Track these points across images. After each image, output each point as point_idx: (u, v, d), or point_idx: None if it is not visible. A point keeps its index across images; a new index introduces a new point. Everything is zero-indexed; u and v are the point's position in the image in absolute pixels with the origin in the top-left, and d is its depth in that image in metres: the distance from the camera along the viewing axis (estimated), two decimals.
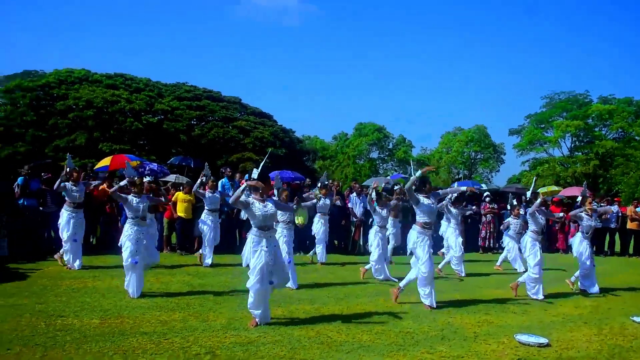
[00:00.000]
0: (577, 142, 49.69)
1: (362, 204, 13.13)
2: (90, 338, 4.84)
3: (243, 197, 5.78)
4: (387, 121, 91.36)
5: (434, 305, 6.85)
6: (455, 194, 9.90)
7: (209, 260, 10.05)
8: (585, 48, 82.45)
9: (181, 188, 11.95)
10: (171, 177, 15.38)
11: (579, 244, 8.74)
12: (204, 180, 10.21)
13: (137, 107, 33.54)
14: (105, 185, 11.58)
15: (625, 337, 5.78)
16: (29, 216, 9.97)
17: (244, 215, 12.02)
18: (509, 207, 14.15)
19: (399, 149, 57.72)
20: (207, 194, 10.26)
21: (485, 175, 58.56)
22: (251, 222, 5.94)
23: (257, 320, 5.65)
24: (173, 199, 11.61)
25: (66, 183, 9.00)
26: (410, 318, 6.22)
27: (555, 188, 21.28)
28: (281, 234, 7.88)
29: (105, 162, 13.93)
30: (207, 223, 10.28)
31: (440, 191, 7.65)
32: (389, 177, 19.79)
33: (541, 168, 47.05)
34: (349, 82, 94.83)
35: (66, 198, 9.16)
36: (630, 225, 15.33)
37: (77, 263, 8.88)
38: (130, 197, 7.24)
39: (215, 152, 35.42)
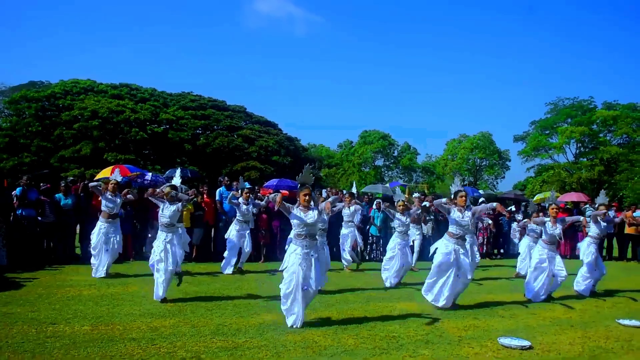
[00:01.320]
0: (581, 148, 49.53)
1: (360, 212, 13.19)
2: (79, 344, 4.95)
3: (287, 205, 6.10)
4: (392, 129, 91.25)
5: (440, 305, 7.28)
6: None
7: (229, 270, 10.21)
8: (589, 54, 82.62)
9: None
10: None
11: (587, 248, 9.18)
12: (237, 192, 10.67)
13: (142, 116, 33.88)
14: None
15: (608, 340, 5.84)
16: (27, 226, 10.11)
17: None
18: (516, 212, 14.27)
19: (404, 156, 57.76)
20: (242, 205, 10.48)
21: (490, 182, 58.47)
22: (293, 229, 6.20)
23: (288, 322, 5.95)
24: None
25: (105, 193, 9.28)
26: (397, 323, 6.30)
27: (556, 194, 21.23)
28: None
29: (106, 172, 14.07)
30: (235, 232, 10.42)
31: (475, 207, 7.81)
32: (387, 185, 19.85)
33: (546, 174, 46.95)
34: (354, 90, 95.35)
35: (102, 209, 9.37)
36: (627, 230, 15.34)
37: (103, 270, 9.10)
38: (164, 203, 7.62)
39: (220, 160, 35.71)
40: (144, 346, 4.98)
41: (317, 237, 6.41)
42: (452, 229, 7.49)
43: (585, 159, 47.96)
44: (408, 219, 9.82)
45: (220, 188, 12.63)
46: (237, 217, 10.50)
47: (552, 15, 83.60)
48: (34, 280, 8.48)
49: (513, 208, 15.50)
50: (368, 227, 13.29)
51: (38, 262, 10.05)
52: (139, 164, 28.36)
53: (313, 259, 6.10)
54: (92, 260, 9.27)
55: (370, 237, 13.40)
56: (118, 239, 9.37)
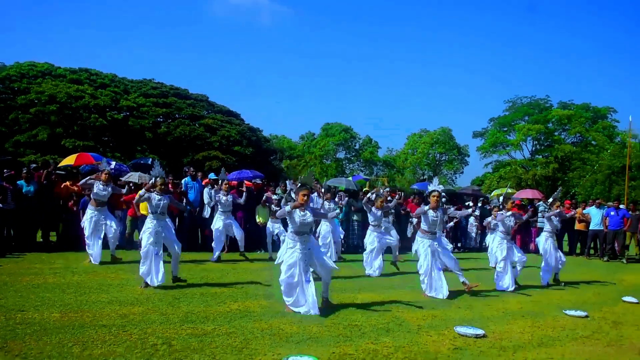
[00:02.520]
0: (537, 146, 51.22)
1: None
2: (50, 330, 5.03)
3: (288, 208, 6.48)
4: (353, 122, 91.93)
5: (428, 295, 7.99)
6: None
7: (216, 255, 10.86)
8: (547, 54, 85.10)
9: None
10: (134, 176, 15.40)
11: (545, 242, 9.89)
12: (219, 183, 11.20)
13: (102, 103, 33.23)
14: (69, 183, 11.65)
15: (554, 329, 6.27)
16: None
17: (206, 213, 12.26)
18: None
19: (366, 150, 58.41)
20: (222, 196, 10.84)
21: (449, 177, 59.72)
22: (289, 226, 6.63)
23: (289, 306, 6.41)
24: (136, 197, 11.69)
25: (95, 182, 9.53)
26: (359, 312, 6.58)
27: (510, 190, 22.02)
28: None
29: (70, 160, 13.88)
30: (219, 223, 10.90)
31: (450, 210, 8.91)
32: (350, 178, 20.17)
33: (503, 170, 48.40)
34: (317, 82, 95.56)
35: (92, 197, 9.64)
36: (577, 226, 16.14)
37: (98, 258, 9.46)
38: (152, 195, 7.81)
39: (182, 149, 35.41)
40: (115, 332, 5.09)
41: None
42: (424, 226, 8.19)
43: (540, 156, 49.61)
44: (382, 214, 10.43)
45: (186, 178, 12.67)
46: (219, 209, 10.94)
47: (513, 14, 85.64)
48: None
49: (471, 204, 16.03)
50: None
51: None
52: (98, 150, 27.81)
53: (311, 252, 6.57)
54: (87, 249, 9.53)
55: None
56: (110, 223, 9.68)
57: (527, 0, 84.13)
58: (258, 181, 12.54)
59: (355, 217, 13.04)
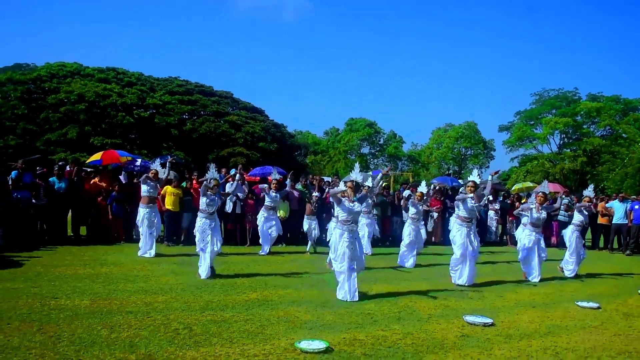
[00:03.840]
0: (565, 139, 50.54)
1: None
2: (81, 316, 5.41)
3: (338, 194, 6.99)
4: (378, 117, 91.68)
5: (457, 283, 8.54)
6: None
7: (266, 250, 11.42)
8: (575, 45, 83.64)
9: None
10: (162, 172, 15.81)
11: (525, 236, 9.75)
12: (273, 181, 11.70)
13: (129, 101, 33.93)
14: (97, 179, 12.14)
15: (563, 319, 6.41)
16: (22, 208, 10.48)
17: (228, 208, 12.61)
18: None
19: (390, 145, 58.37)
20: (272, 192, 11.48)
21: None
22: (338, 216, 7.11)
23: (339, 295, 6.85)
24: (162, 192, 12.07)
25: (148, 180, 10.28)
26: (373, 302, 6.82)
27: (530, 184, 21.93)
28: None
29: (97, 157, 14.37)
30: (263, 219, 11.50)
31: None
32: (370, 173, 20.37)
33: (530, 164, 47.80)
34: (342, 77, 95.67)
35: (143, 194, 10.33)
36: (600, 220, 16.05)
37: (152, 251, 10.09)
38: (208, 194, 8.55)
39: (207, 146, 35.92)
40: (140, 318, 5.44)
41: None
42: (463, 213, 8.77)
43: (568, 150, 48.93)
44: (422, 208, 11.14)
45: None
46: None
47: (540, 6, 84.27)
48: (31, 259, 8.93)
49: (490, 197, 16.06)
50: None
51: (32, 243, 10.44)
52: (126, 148, 28.49)
53: (356, 241, 7.07)
54: (140, 243, 10.22)
55: None
56: (157, 220, 10.43)
57: None
58: (278, 176, 12.73)
59: (375, 212, 13.21)
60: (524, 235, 9.67)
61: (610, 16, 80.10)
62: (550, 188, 19.78)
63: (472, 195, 8.68)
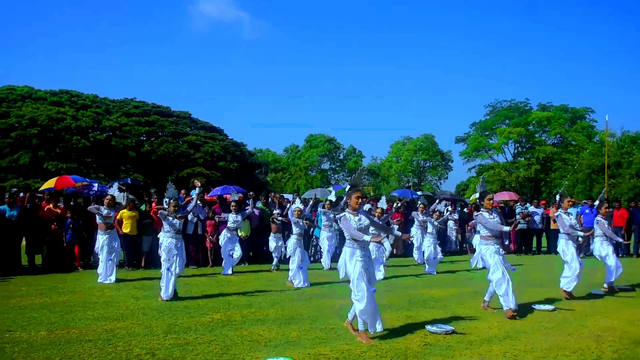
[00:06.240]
0: (519, 148, 52.07)
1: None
2: (38, 347, 5.25)
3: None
4: (337, 132, 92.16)
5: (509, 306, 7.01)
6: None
7: (229, 271, 11.43)
8: (525, 57, 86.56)
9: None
10: (119, 196, 15.53)
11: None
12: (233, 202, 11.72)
13: (84, 124, 33.21)
14: (51, 205, 11.82)
15: (523, 323, 6.62)
16: None
17: (189, 230, 12.49)
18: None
19: (350, 160, 58.89)
20: (232, 215, 11.54)
21: (434, 183, 60.38)
22: (345, 235, 6.15)
23: (367, 329, 5.76)
24: (118, 216, 11.74)
25: (100, 207, 10.16)
26: (337, 317, 6.86)
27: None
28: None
29: (51, 183, 14.02)
30: (226, 240, 11.57)
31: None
32: (330, 188, 20.53)
33: (487, 174, 48.98)
34: (300, 94, 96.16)
35: (98, 222, 10.20)
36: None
37: (112, 277, 9.94)
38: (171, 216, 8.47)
39: (166, 167, 35.44)
40: (101, 346, 5.33)
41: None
42: (485, 233, 7.57)
43: (522, 159, 50.44)
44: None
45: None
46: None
47: (489, 20, 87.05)
48: None
49: (450, 207, 16.42)
50: (312, 229, 13.84)
51: None
52: (82, 172, 27.82)
53: (368, 260, 6.04)
54: (99, 270, 10.00)
55: (314, 240, 13.99)
56: (117, 245, 10.38)
57: (505, 3, 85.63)
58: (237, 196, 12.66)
59: (335, 226, 13.28)
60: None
61: (554, 28, 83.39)
62: (506, 196, 20.42)
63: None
